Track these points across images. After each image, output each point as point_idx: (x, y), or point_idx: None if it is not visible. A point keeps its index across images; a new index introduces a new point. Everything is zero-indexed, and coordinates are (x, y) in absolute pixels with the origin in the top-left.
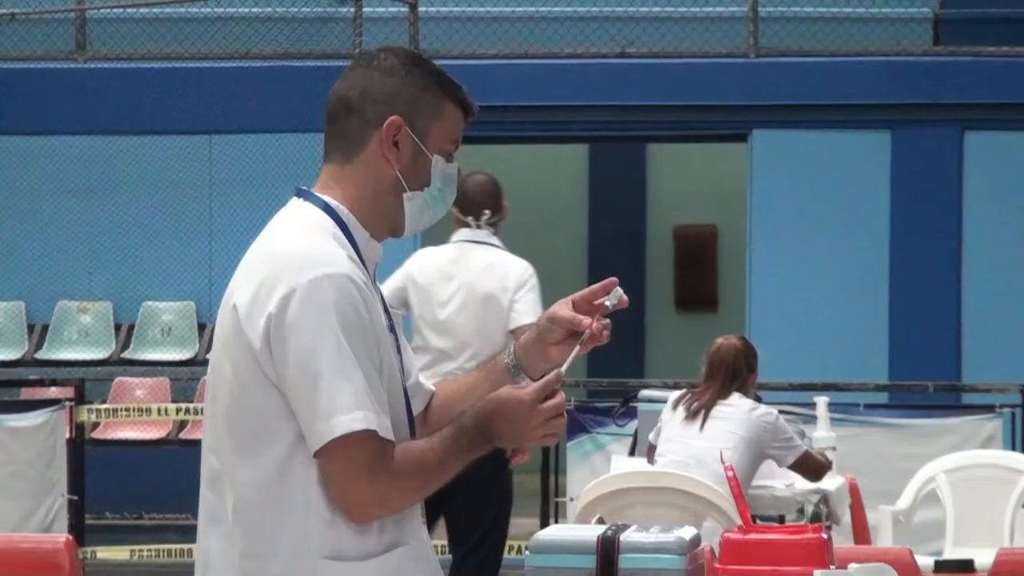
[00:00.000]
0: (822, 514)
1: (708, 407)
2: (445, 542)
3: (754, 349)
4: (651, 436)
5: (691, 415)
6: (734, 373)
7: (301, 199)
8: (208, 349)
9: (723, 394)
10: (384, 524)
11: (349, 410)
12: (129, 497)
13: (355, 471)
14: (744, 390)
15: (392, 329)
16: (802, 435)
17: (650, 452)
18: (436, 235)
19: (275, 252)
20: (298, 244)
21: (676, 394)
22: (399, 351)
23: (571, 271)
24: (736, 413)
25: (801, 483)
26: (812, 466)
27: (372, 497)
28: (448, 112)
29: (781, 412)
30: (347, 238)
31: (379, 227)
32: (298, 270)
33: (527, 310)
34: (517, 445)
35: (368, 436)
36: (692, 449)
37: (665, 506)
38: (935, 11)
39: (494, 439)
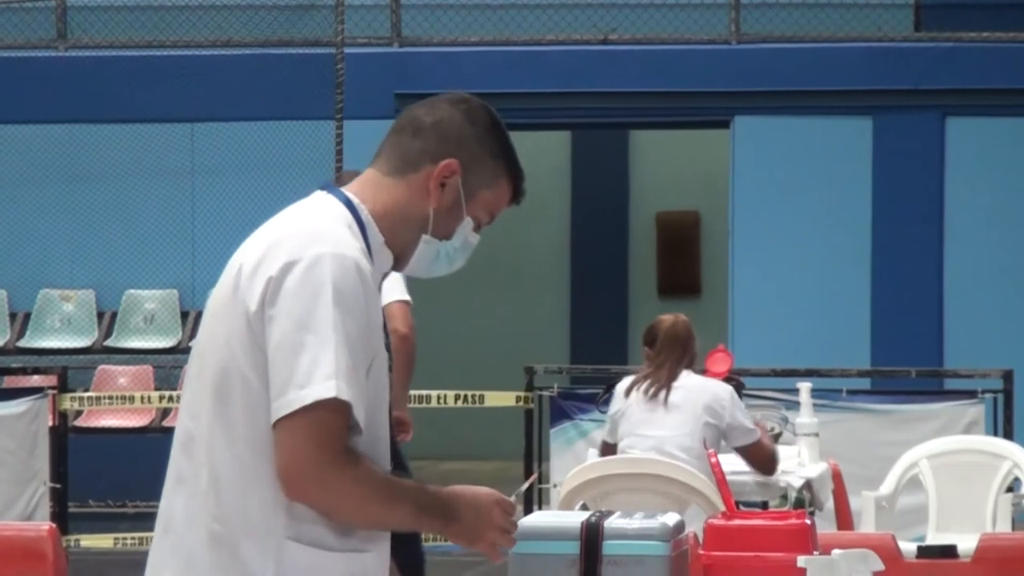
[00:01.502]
0: (805, 500)
1: (667, 386)
2: None
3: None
4: (605, 435)
5: (652, 398)
6: (685, 348)
7: (325, 191)
8: (191, 337)
9: (675, 373)
10: (351, 528)
11: (325, 379)
12: (112, 485)
13: (310, 439)
14: (692, 366)
15: (388, 348)
16: (785, 421)
17: (606, 452)
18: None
19: (287, 228)
20: (311, 223)
21: (625, 383)
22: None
23: (554, 258)
24: (690, 395)
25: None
26: (763, 456)
27: (314, 472)
28: (501, 187)
29: (764, 398)
30: (362, 235)
31: (392, 247)
32: (306, 243)
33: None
34: (470, 537)
35: (336, 409)
36: (654, 441)
37: (648, 492)
38: None
39: (453, 522)
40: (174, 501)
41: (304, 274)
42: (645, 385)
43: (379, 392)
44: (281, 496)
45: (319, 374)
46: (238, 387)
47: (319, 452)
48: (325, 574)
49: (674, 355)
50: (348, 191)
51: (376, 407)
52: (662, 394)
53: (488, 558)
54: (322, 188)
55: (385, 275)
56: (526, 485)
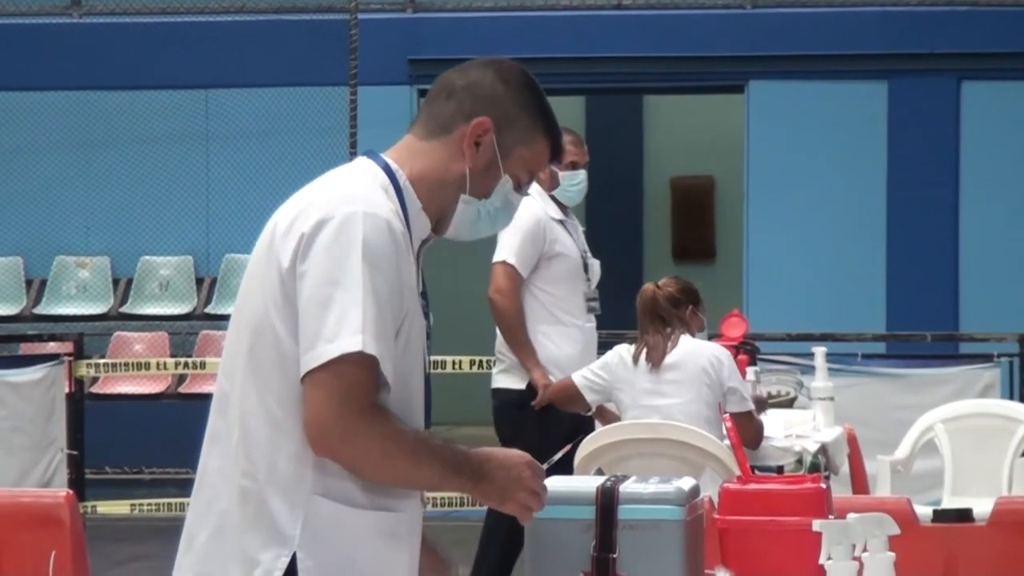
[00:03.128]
0: (820, 464)
1: (660, 355)
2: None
3: (694, 288)
4: (583, 373)
5: (650, 369)
6: (660, 316)
7: (366, 158)
8: (206, 303)
9: (663, 341)
10: (381, 486)
11: (352, 334)
12: (128, 451)
13: (334, 393)
14: (690, 331)
15: (425, 310)
16: (800, 385)
17: (566, 390)
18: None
19: (324, 187)
20: (348, 184)
21: (624, 350)
22: (428, 336)
23: None
24: (688, 361)
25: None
26: (752, 429)
27: (338, 425)
28: (538, 145)
29: (779, 363)
30: (399, 199)
31: (429, 212)
32: (341, 202)
33: (498, 247)
34: (500, 497)
35: (362, 363)
36: (661, 413)
37: (664, 457)
38: None
39: (483, 481)
40: (208, 459)
41: (336, 231)
42: (643, 356)
43: (412, 353)
44: (309, 451)
45: (347, 328)
46: (270, 343)
47: (343, 405)
48: (352, 530)
49: (651, 325)
50: (386, 156)
51: (408, 368)
52: (659, 363)
53: (518, 520)
54: (365, 155)
55: (425, 242)
56: (559, 455)
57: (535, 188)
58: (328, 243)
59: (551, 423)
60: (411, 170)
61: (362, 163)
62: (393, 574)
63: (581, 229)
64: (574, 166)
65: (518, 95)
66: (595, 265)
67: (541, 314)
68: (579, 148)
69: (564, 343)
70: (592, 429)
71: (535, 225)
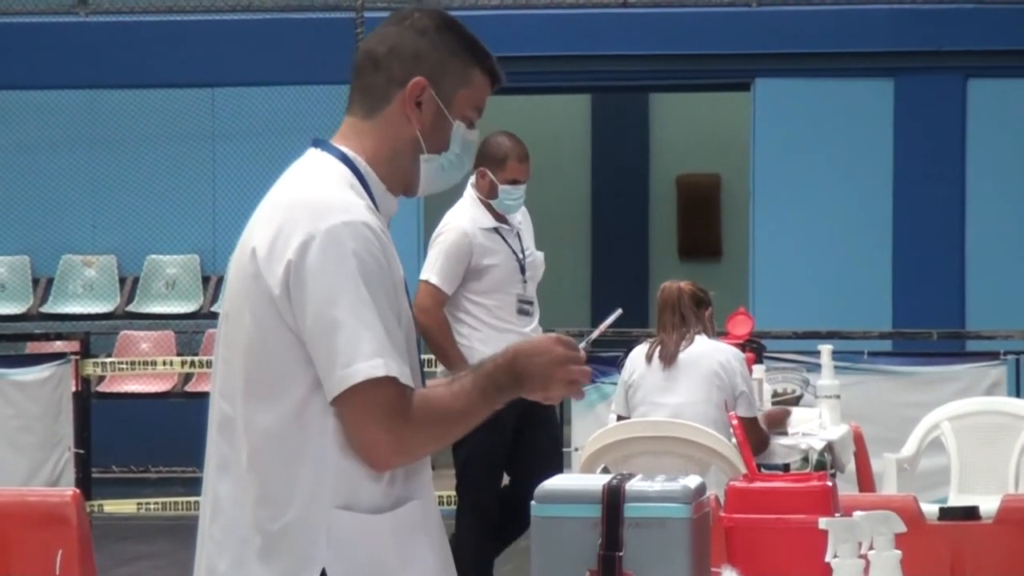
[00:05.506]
0: (827, 462)
1: (675, 353)
2: (450, 493)
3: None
4: (615, 407)
5: (664, 366)
6: (681, 313)
7: (319, 149)
8: (213, 302)
9: (680, 340)
10: (395, 476)
11: (370, 357)
12: (135, 450)
13: (375, 418)
14: (706, 332)
15: (404, 281)
16: (806, 383)
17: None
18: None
19: (294, 199)
20: (316, 192)
21: (637, 351)
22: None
23: (574, 222)
24: (701, 360)
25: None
26: (758, 436)
27: (392, 444)
28: (475, 79)
29: (785, 360)
30: (364, 189)
31: (394, 184)
32: (317, 217)
33: (424, 265)
34: (544, 385)
35: (388, 383)
36: (670, 409)
37: (670, 455)
38: None
39: (522, 378)
40: (219, 487)
41: (323, 251)
42: (656, 353)
43: (407, 328)
44: (326, 465)
45: (362, 352)
46: (267, 366)
47: (388, 424)
48: (375, 536)
49: (671, 321)
50: (338, 144)
51: (407, 338)
52: (673, 360)
53: (573, 398)
54: (315, 145)
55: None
56: (597, 333)
57: (469, 194)
58: (318, 266)
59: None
60: (366, 153)
61: (319, 158)
62: (422, 570)
63: (522, 227)
64: (515, 183)
65: (440, 41)
66: (537, 259)
67: (476, 324)
68: (523, 165)
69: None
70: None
71: (458, 242)
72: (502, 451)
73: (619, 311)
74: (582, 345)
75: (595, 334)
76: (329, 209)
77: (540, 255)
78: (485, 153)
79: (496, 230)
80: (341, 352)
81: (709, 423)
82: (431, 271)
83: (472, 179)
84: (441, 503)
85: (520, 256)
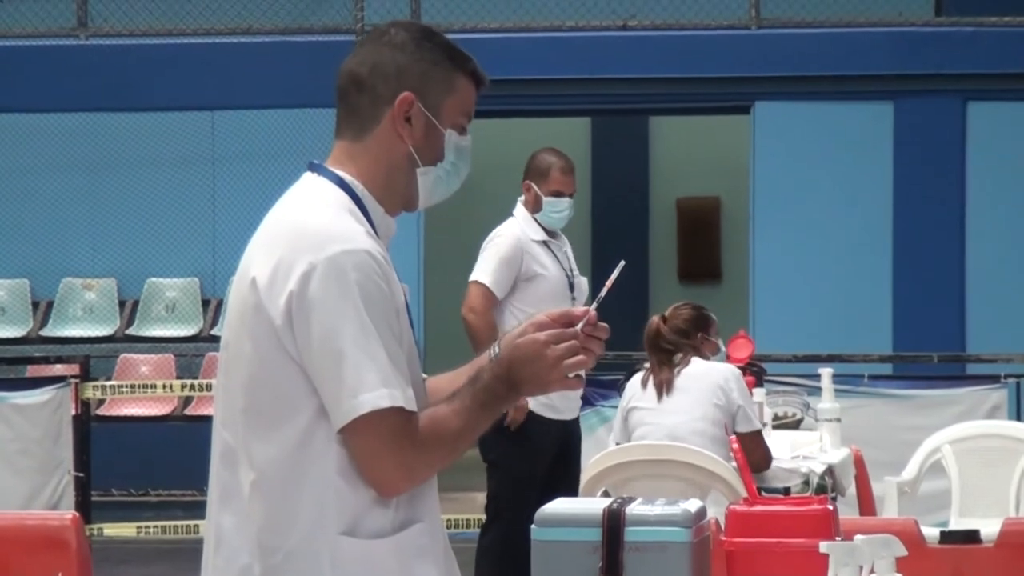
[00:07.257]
0: (827, 485)
1: (669, 380)
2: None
3: (704, 314)
4: (615, 436)
5: (659, 393)
6: (662, 349)
7: (315, 174)
8: (212, 325)
9: (671, 369)
10: (399, 500)
11: (375, 387)
12: (135, 474)
13: (382, 447)
14: (700, 353)
15: (407, 302)
16: (807, 407)
17: None
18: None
19: (293, 228)
20: (316, 220)
21: (636, 379)
22: (411, 325)
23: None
24: (697, 379)
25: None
26: (760, 451)
27: (400, 471)
28: (460, 85)
29: (785, 384)
30: (362, 213)
31: (393, 202)
32: (318, 246)
33: (475, 268)
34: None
35: (394, 412)
36: (667, 429)
37: (670, 479)
38: None
39: (519, 385)
40: (222, 516)
41: (324, 281)
42: (651, 381)
43: (409, 349)
44: (330, 492)
45: (367, 382)
46: (269, 396)
47: (396, 452)
48: (380, 560)
49: (655, 359)
50: (333, 169)
51: (409, 360)
52: (669, 388)
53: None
54: (311, 169)
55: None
56: (604, 291)
57: (519, 210)
58: (321, 296)
59: (535, 447)
60: (361, 176)
61: (316, 183)
62: None
63: (568, 249)
64: (558, 194)
65: (420, 53)
66: (582, 283)
67: None
68: (567, 177)
69: None
70: (579, 439)
71: (512, 247)
72: (538, 481)
73: (622, 263)
74: (592, 306)
75: (603, 292)
76: (330, 238)
77: (584, 280)
78: (531, 167)
79: (546, 243)
80: (347, 383)
81: (707, 440)
82: (482, 273)
83: (522, 196)
84: (449, 527)
85: (569, 273)
